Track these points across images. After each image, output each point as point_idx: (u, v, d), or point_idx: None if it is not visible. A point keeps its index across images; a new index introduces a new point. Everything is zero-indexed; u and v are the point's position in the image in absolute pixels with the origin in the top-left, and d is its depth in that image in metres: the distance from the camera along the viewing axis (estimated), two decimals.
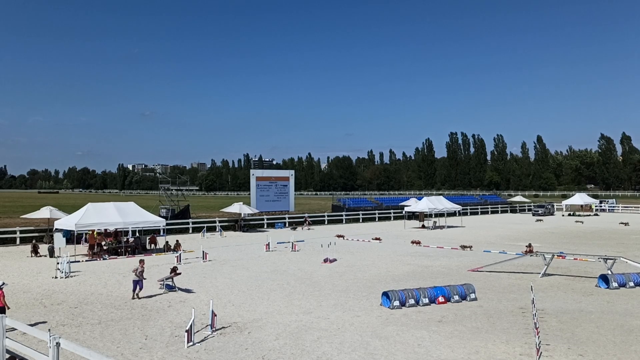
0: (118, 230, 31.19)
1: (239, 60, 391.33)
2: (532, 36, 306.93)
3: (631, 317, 15.82)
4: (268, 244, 32.83)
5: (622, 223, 53.15)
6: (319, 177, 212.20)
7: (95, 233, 30.70)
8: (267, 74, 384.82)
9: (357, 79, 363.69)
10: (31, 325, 13.21)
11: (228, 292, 19.99)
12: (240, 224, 47.46)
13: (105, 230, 30.92)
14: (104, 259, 29.01)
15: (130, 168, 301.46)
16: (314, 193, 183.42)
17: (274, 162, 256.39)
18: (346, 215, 58.80)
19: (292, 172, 62.63)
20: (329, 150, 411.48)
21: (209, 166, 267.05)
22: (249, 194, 57.44)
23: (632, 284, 20.41)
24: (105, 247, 30.64)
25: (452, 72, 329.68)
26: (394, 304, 17.02)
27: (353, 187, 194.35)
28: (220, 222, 47.12)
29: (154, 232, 35.32)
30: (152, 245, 33.41)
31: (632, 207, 79.75)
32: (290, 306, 17.57)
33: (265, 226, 50.14)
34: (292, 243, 33.03)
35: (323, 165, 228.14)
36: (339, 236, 40.34)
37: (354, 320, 15.61)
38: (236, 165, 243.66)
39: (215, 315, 14.83)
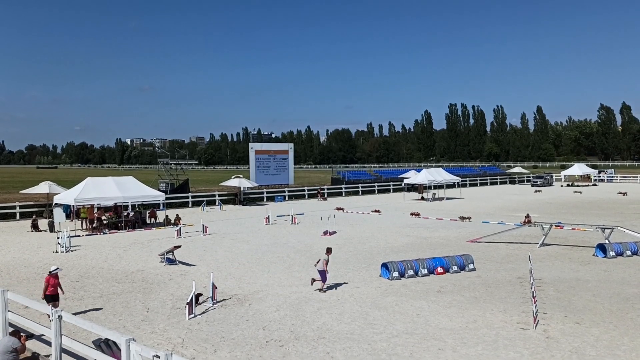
0: (118, 204, 31.24)
1: (237, 33, 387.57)
2: (531, 6, 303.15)
3: (627, 286, 15.97)
4: (268, 217, 32.94)
5: (620, 193, 53.27)
6: (319, 150, 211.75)
7: (95, 208, 30.75)
8: (266, 47, 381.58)
9: (356, 51, 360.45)
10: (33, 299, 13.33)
11: (228, 265, 20.13)
12: (240, 198, 47.57)
13: (97, 205, 30.89)
14: (104, 233, 29.13)
15: (129, 143, 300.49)
16: (313, 166, 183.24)
17: (273, 136, 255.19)
18: (346, 188, 58.88)
19: (291, 145, 62.50)
20: (328, 123, 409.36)
21: (207, 140, 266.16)
22: (248, 168, 57.41)
23: (629, 252, 20.56)
24: (105, 222, 30.73)
25: (451, 44, 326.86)
26: (393, 275, 17.16)
27: (352, 160, 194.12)
28: (219, 196, 47.21)
29: (153, 207, 35.40)
30: (152, 220, 33.52)
31: (630, 177, 79.86)
32: (291, 278, 17.71)
33: (264, 200, 50.25)
34: (292, 216, 33.14)
35: (322, 138, 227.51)
36: (338, 209, 40.46)
37: (354, 292, 15.75)
38: (235, 139, 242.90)
39: (216, 288, 14.96)
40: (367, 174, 75.07)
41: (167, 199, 37.32)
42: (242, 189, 48.17)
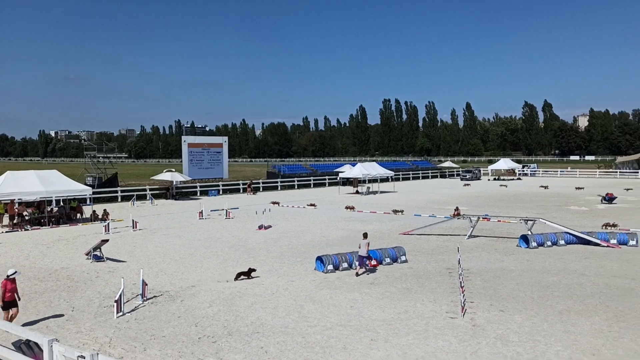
0: (41, 199, 29.76)
1: (170, 23, 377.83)
2: (460, 8, 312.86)
3: (548, 274, 16.82)
4: (201, 212, 32.38)
5: (542, 186, 55.96)
6: (254, 143, 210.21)
7: (15, 203, 29.15)
8: (199, 38, 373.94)
9: (292, 45, 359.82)
10: None
11: (160, 260, 19.64)
12: (172, 192, 46.48)
13: (19, 200, 29.35)
14: (25, 229, 27.70)
15: (53, 135, 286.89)
16: (248, 160, 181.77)
17: (207, 129, 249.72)
18: (281, 181, 58.75)
19: (226, 138, 61.67)
20: (264, 117, 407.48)
21: (138, 133, 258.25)
22: (181, 162, 56.20)
23: (549, 243, 21.64)
24: (27, 218, 29.23)
25: (385, 41, 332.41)
26: (328, 268, 17.28)
27: (288, 153, 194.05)
28: (151, 190, 45.95)
29: (80, 201, 33.98)
30: (79, 215, 32.19)
31: (551, 171, 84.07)
32: (225, 273, 17.49)
33: (198, 194, 49.36)
34: (227, 210, 32.73)
35: (258, 132, 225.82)
36: (274, 203, 40.33)
37: (288, 285, 15.75)
38: (167, 132, 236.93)
39: (146, 285, 14.56)
40: (303, 168, 75.21)
41: (94, 193, 36.00)
42: (174, 183, 47.10)
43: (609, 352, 10.35)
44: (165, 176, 46.71)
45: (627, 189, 50.11)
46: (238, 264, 18.91)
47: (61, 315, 13.04)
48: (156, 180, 49.13)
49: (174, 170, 48.80)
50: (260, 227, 27.21)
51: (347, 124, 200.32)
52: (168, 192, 46.62)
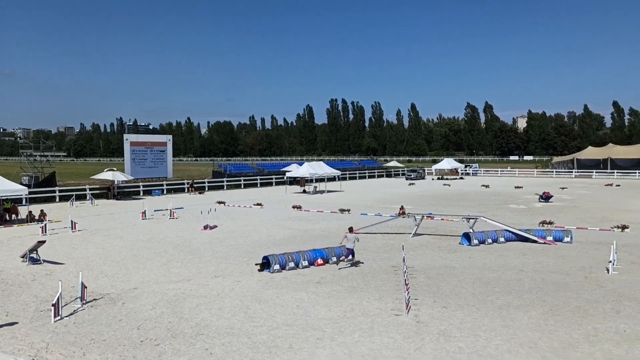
0: None
1: (109, 16, 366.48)
2: (404, 13, 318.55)
3: (488, 271, 17.33)
4: (144, 212, 31.59)
5: (483, 185, 57.65)
6: (199, 142, 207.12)
7: None
8: (142, 33, 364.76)
9: (238, 44, 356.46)
10: None
11: (100, 262, 19.03)
12: (114, 192, 45.14)
13: None
14: None
15: None
16: (194, 159, 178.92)
17: (151, 127, 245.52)
18: (227, 181, 58.11)
19: (170, 137, 60.43)
20: (209, 115, 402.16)
21: (78, 130, 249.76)
22: (123, 160, 54.67)
23: (490, 240, 22.31)
24: None
25: (331, 41, 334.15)
26: (275, 268, 17.21)
27: (235, 152, 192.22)
28: (91, 190, 44.45)
29: (15, 202, 32.50)
30: (14, 216, 30.78)
31: (492, 171, 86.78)
32: (168, 274, 17.14)
33: (141, 193, 48.15)
34: (171, 210, 32.07)
35: (203, 131, 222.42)
36: (219, 202, 39.83)
37: (234, 286, 15.58)
38: (109, 130, 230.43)
39: (86, 287, 14.09)
40: (250, 167, 74.71)
41: (30, 193, 34.52)
42: (116, 183, 45.76)
43: (545, 344, 10.75)
44: (107, 175, 45.31)
45: (563, 188, 52.37)
46: (182, 264, 18.57)
47: None
48: (97, 180, 47.60)
49: (115, 169, 47.39)
50: (205, 227, 26.81)
51: (294, 123, 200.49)
52: (109, 191, 45.25)
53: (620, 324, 11.98)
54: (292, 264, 17.65)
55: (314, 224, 28.54)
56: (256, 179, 61.59)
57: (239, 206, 38.24)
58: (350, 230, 18.64)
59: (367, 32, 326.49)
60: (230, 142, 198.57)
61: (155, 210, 34.00)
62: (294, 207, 36.25)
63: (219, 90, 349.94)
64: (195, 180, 54.77)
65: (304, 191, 51.22)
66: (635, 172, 73.84)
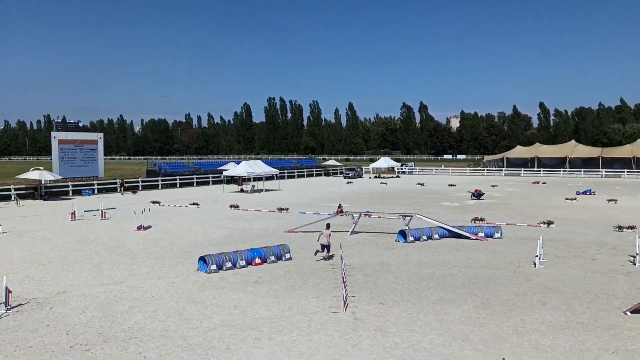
0: None
1: (37, 9, 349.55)
2: (340, 12, 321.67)
3: (423, 267, 17.75)
4: (74, 213, 30.33)
5: (419, 184, 59.03)
6: (133, 140, 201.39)
7: None
8: (69, 25, 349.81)
9: (172, 38, 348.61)
10: None
11: (26, 266, 18.12)
12: (41, 192, 43.13)
13: None
14: None
15: None
16: (127, 157, 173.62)
17: (81, 125, 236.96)
18: (162, 180, 56.75)
19: (101, 135, 58.40)
20: (143, 113, 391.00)
21: (1, 128, 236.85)
22: (51, 159, 52.33)
23: (425, 237, 22.85)
24: None
25: (269, 40, 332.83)
26: (211, 268, 16.94)
27: (170, 151, 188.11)
28: (16, 190, 42.28)
29: None
30: None
31: (427, 169, 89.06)
32: (100, 277, 16.53)
33: (70, 193, 46.23)
34: (102, 210, 30.96)
35: (137, 128, 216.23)
36: (154, 202, 38.82)
37: (169, 287, 15.22)
38: (35, 128, 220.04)
39: (10, 292, 13.35)
40: (186, 166, 73.32)
41: None
42: (43, 182, 43.73)
43: (477, 337, 11.11)
44: (33, 175, 43.19)
45: (493, 186, 54.41)
46: (115, 266, 17.97)
47: None
48: (22, 179, 45.27)
49: (42, 168, 45.25)
50: (139, 228, 26.06)
51: (232, 122, 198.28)
52: (36, 191, 43.20)
53: (546, 315, 12.54)
54: (229, 264, 17.43)
55: (251, 223, 28.32)
56: (192, 178, 60.49)
57: (175, 206, 37.44)
58: (327, 226, 19.50)
59: (305, 32, 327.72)
60: (165, 141, 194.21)
61: (85, 211, 32.74)
62: (231, 206, 35.85)
63: (153, 86, 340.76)
64: (125, 180, 53.10)
65: (242, 190, 50.76)
66: (560, 170, 77.79)
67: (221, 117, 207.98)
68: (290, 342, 10.81)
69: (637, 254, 18.20)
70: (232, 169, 56.07)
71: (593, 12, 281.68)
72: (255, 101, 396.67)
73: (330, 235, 19.12)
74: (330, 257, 18.93)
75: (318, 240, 19.00)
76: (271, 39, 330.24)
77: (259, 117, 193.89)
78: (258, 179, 53.60)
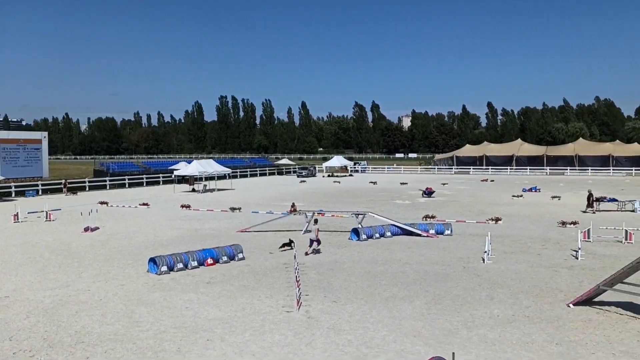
0: None
1: None
2: (293, 13, 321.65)
3: (376, 264, 17.94)
4: (17, 214, 29.15)
5: (371, 182, 59.61)
6: (79, 139, 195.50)
7: None
8: (13, 19, 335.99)
9: (119, 34, 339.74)
10: None
11: None
12: None
13: None
14: None
15: None
16: (73, 157, 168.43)
17: (24, 123, 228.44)
18: (110, 180, 55.26)
19: (46, 134, 56.42)
20: (90, 111, 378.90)
21: None
22: None
23: (377, 235, 23.09)
24: None
25: (220, 37, 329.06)
26: (162, 270, 16.61)
27: (118, 150, 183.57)
28: None
29: None
30: None
31: (380, 168, 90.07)
32: (44, 280, 15.96)
33: (13, 194, 44.42)
34: (47, 212, 29.89)
35: (83, 127, 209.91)
36: (102, 203, 37.76)
37: (118, 290, 14.84)
38: None
39: None
40: (135, 166, 71.65)
41: None
42: None
43: (428, 332, 11.31)
44: None
45: (444, 184, 55.53)
46: (60, 269, 17.39)
47: None
48: None
49: None
50: (86, 229, 25.30)
51: (183, 120, 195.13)
52: None
53: (494, 309, 12.89)
54: (180, 265, 17.14)
55: (203, 224, 27.95)
56: (142, 178, 59.16)
57: (124, 206, 36.54)
58: (315, 222, 20.78)
59: (257, 30, 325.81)
60: (114, 140, 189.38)
61: (29, 212, 31.51)
62: (182, 206, 35.27)
63: (100, 84, 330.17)
64: (69, 180, 51.39)
65: (193, 190, 50.02)
66: (507, 168, 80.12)
67: (171, 116, 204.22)
68: (243, 343, 10.72)
69: (579, 249, 18.97)
70: (183, 168, 55.22)
71: (536, 15, 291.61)
72: (206, 100, 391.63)
73: (318, 230, 20.02)
74: (318, 251, 19.75)
75: (303, 233, 19.79)
76: (223, 36, 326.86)
77: (210, 115, 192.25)
78: (210, 178, 52.94)
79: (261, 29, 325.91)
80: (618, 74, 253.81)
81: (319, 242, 19.93)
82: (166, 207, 35.82)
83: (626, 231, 21.83)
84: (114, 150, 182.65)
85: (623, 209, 31.66)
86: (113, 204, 37.94)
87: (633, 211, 31.02)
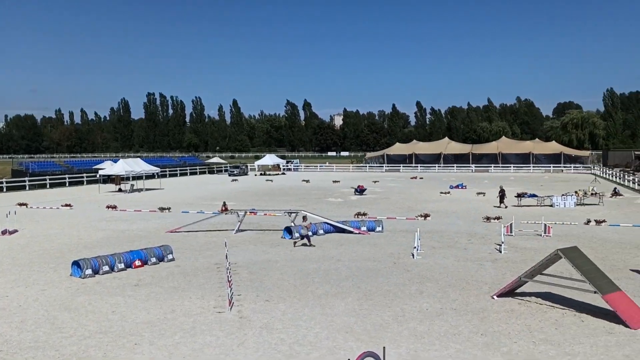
0: None
1: None
2: (225, 11, 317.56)
3: (308, 262, 17.99)
4: None
5: (304, 180, 59.80)
6: None
7: None
8: None
9: (43, 26, 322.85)
10: None
11: None
12: None
13: None
14: None
15: None
16: None
17: None
18: (30, 180, 52.52)
19: None
20: (7, 108, 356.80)
21: None
22: None
23: (310, 233, 23.13)
24: None
25: (147, 34, 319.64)
26: (86, 273, 15.93)
27: (39, 149, 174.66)
28: None
29: None
30: None
31: (312, 166, 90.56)
32: None
33: None
34: None
35: (0, 125, 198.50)
36: (21, 204, 35.80)
37: (39, 295, 14.11)
38: None
39: None
40: (57, 165, 68.58)
41: None
42: None
43: (360, 328, 11.45)
44: None
45: (375, 181, 56.53)
46: None
47: None
48: None
49: None
50: (3, 232, 23.90)
51: (108, 118, 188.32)
52: None
53: (423, 303, 13.23)
54: (106, 268, 16.51)
55: (131, 224, 27.08)
56: (65, 178, 56.62)
57: (45, 208, 34.82)
58: (304, 218, 21.59)
59: (186, 26, 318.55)
60: (33, 138, 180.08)
61: None
62: (108, 207, 34.02)
63: (18, 80, 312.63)
64: None
65: (120, 190, 48.38)
66: (435, 166, 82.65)
67: (96, 113, 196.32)
68: (172, 346, 10.46)
69: (503, 243, 19.82)
70: (109, 167, 53.29)
71: (460, 18, 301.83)
72: (134, 97, 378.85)
73: (309, 225, 21.16)
74: (309, 245, 20.50)
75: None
76: (150, 31, 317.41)
77: (138, 113, 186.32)
78: (138, 177, 51.39)
79: (189, 24, 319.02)
80: (537, 76, 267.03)
81: (307, 237, 20.75)
82: (91, 208, 34.44)
83: (545, 225, 23.02)
84: (33, 149, 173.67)
85: (542, 204, 33.37)
86: (33, 205, 36.07)
87: (551, 206, 32.76)
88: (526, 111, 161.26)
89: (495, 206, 32.80)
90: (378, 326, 11.56)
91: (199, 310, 12.70)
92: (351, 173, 78.88)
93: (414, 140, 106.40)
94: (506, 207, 32.31)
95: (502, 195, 33.10)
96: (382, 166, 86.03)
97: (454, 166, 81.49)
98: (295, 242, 20.82)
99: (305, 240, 20.79)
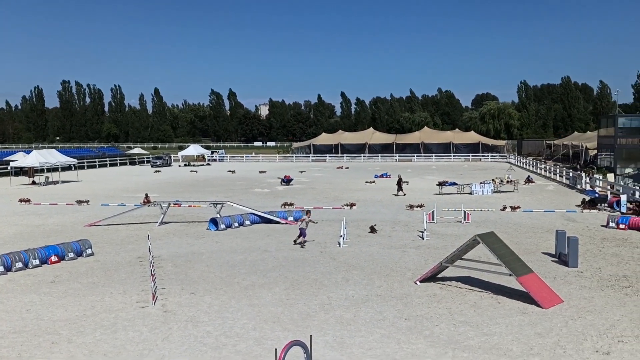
0: None
1: None
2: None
3: (235, 254, 17.83)
4: None
5: (230, 171, 59.07)
6: None
7: None
8: None
9: None
10: None
11: None
12: None
13: None
14: None
15: None
16: None
17: None
18: None
19: None
20: None
21: None
22: None
23: (236, 224, 22.97)
24: None
25: (61, 17, 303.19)
26: None
27: None
28: None
29: None
30: None
31: (238, 156, 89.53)
32: None
33: None
34: None
35: None
36: None
37: None
38: None
39: None
40: None
41: None
42: None
43: (287, 317, 11.49)
44: None
45: (301, 172, 56.73)
46: None
47: None
48: None
49: None
50: None
51: (20, 107, 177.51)
52: None
53: (350, 290, 13.46)
54: (19, 264, 15.65)
55: (46, 219, 25.75)
56: None
57: None
58: (308, 213, 19.93)
59: (103, 9, 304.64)
60: None
61: None
62: (21, 200, 32.14)
63: None
64: None
65: (34, 182, 45.83)
66: (361, 156, 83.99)
67: (7, 102, 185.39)
68: (92, 343, 10.07)
69: (425, 230, 20.47)
70: (21, 159, 50.26)
71: (383, 12, 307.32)
72: (48, 84, 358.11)
73: (305, 221, 19.31)
74: (303, 242, 19.10)
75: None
76: (64, 14, 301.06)
77: (52, 102, 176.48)
78: (53, 169, 48.84)
79: (106, 8, 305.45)
80: (457, 68, 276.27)
81: (303, 234, 19.11)
82: (1, 202, 32.45)
83: (464, 212, 23.98)
84: None
85: (462, 192, 34.73)
86: None
87: (470, 193, 34.17)
88: (447, 102, 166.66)
89: (393, 194, 33.99)
90: (305, 315, 11.64)
91: (120, 306, 12.29)
92: (278, 163, 78.73)
93: (340, 131, 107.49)
94: (404, 194, 33.55)
95: (399, 183, 34.65)
96: (309, 156, 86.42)
97: (378, 156, 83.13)
98: (295, 240, 19.29)
99: (302, 239, 19.13)
